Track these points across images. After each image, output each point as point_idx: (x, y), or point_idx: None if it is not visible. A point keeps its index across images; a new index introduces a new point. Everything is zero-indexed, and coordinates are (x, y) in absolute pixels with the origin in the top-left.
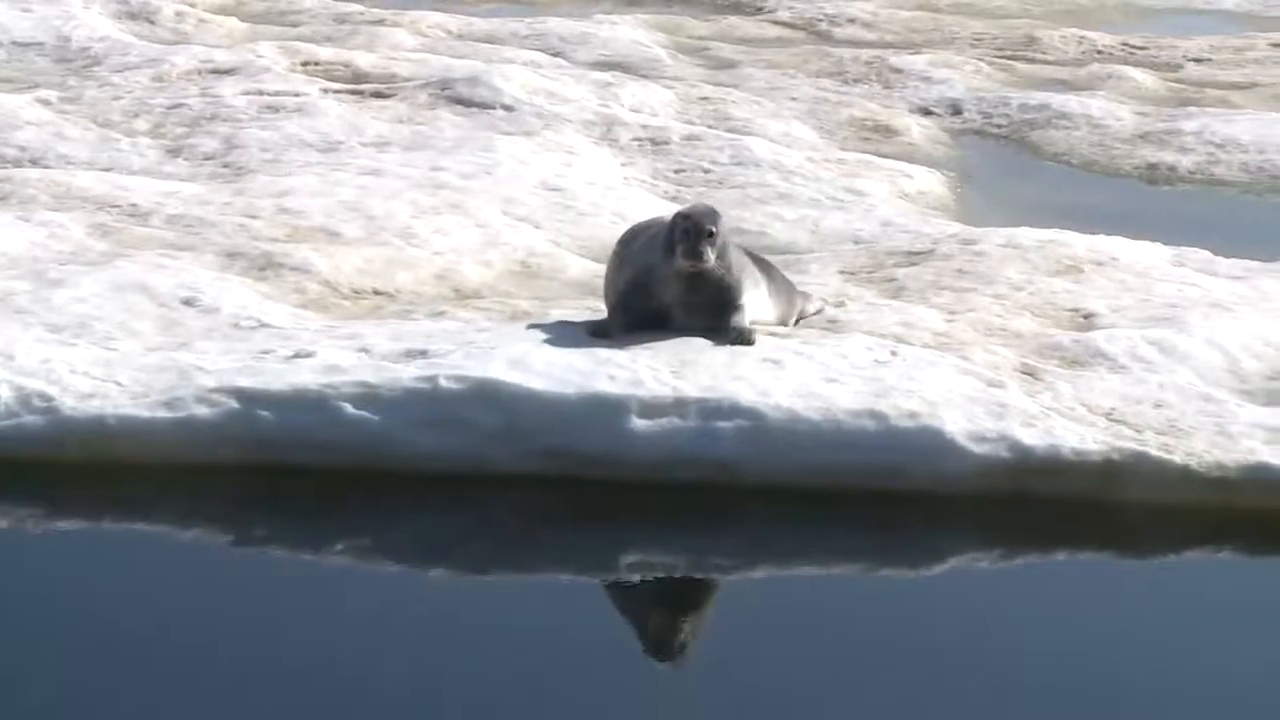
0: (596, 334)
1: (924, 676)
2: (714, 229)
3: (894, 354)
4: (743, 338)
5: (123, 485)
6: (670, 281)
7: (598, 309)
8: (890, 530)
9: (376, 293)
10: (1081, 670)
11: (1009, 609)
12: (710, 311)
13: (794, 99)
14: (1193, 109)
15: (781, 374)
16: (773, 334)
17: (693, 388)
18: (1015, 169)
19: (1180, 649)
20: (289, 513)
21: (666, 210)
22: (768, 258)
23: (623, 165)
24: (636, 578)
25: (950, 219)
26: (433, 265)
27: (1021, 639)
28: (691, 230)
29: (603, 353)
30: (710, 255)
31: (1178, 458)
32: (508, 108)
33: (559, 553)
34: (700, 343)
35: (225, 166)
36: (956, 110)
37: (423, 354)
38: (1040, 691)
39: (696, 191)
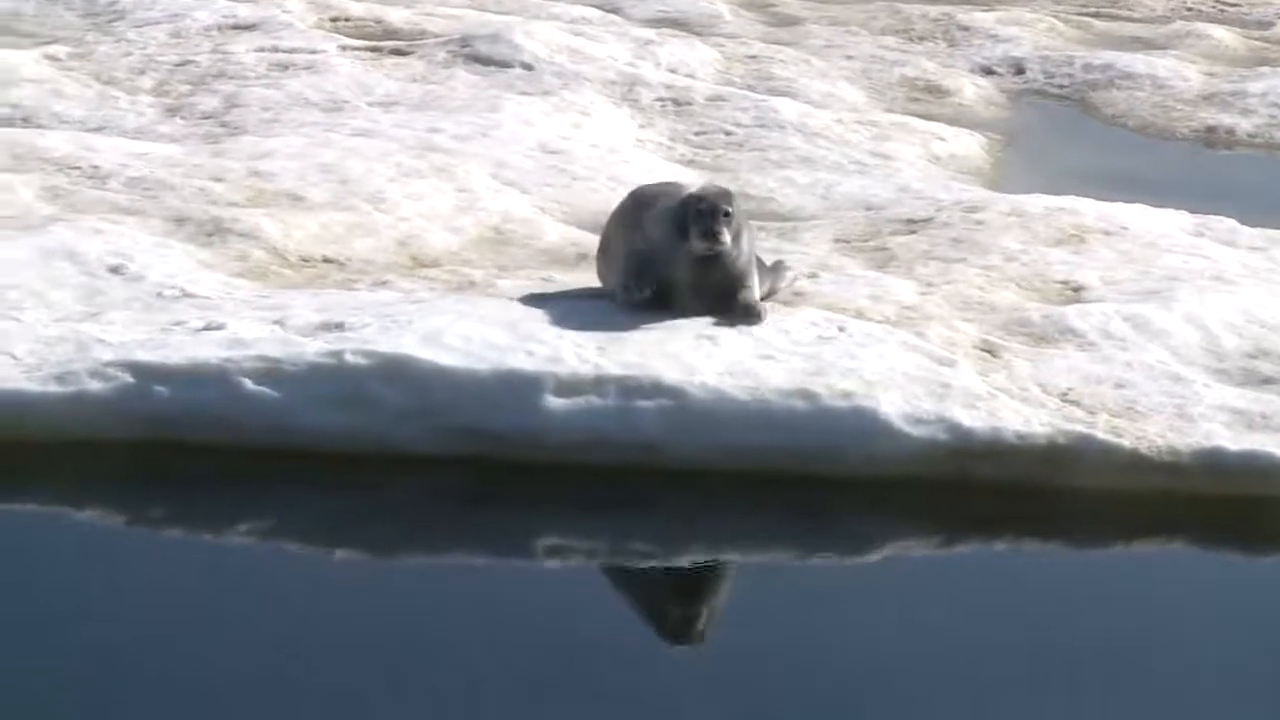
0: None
1: (857, 667)
2: (729, 209)
3: (841, 330)
4: (751, 312)
5: (13, 462)
6: (680, 263)
7: (557, 281)
8: (823, 515)
9: (326, 260)
10: (1021, 661)
11: (946, 597)
12: (719, 296)
13: (850, 57)
14: (1264, 69)
15: (715, 351)
16: None
17: (615, 365)
18: (1066, 131)
19: (1122, 639)
20: (187, 492)
21: (676, 176)
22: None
23: (640, 127)
24: (551, 564)
25: (979, 184)
26: (396, 231)
27: (960, 629)
28: (707, 212)
29: (525, 327)
30: (727, 237)
31: (1127, 441)
32: (527, 66)
33: (469, 536)
34: (632, 318)
35: (222, 126)
36: (1019, 70)
37: (339, 327)
38: (979, 682)
39: (715, 154)
